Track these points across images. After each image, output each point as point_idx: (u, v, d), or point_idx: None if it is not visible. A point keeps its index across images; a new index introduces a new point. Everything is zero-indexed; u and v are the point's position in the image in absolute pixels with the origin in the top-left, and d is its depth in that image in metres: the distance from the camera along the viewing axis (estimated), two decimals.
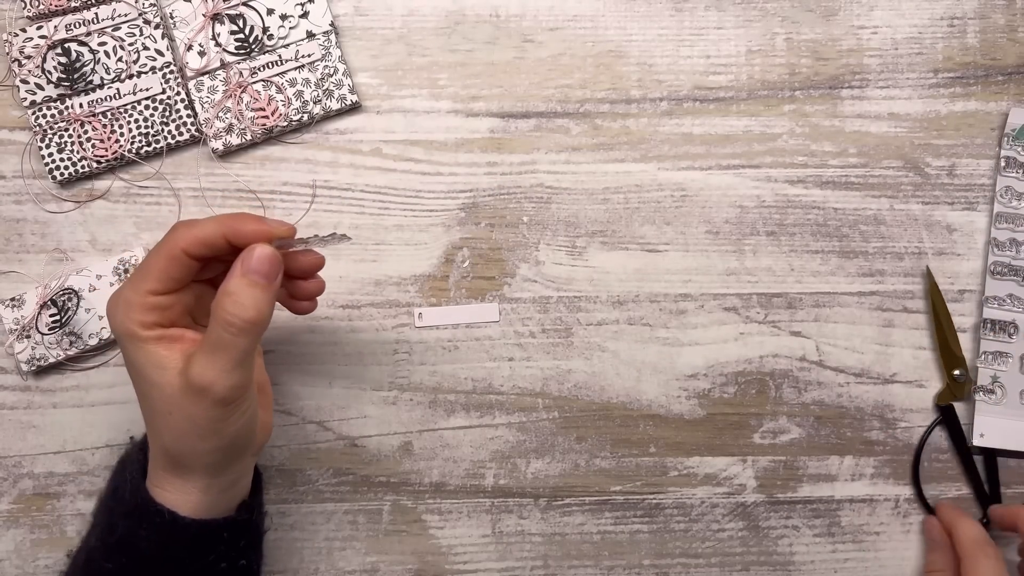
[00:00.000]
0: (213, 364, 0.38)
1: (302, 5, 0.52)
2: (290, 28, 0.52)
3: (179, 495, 0.42)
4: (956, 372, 0.51)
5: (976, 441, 0.52)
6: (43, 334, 0.51)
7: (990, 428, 0.52)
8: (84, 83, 0.51)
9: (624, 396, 0.53)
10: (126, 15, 0.51)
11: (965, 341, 0.53)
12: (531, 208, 0.53)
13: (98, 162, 0.51)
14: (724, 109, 0.53)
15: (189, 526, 0.41)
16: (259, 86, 0.52)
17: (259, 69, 0.52)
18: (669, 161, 0.53)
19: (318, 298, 0.46)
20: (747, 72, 0.53)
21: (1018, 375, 0.52)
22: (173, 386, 0.39)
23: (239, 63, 0.52)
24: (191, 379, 0.38)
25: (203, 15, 0.52)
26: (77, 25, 0.51)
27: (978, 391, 0.52)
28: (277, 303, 0.42)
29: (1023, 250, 0.52)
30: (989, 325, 0.52)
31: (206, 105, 0.51)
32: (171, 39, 0.52)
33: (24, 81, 0.51)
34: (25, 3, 0.51)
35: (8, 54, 0.51)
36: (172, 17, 0.52)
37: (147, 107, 0.51)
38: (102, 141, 0.51)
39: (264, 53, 0.52)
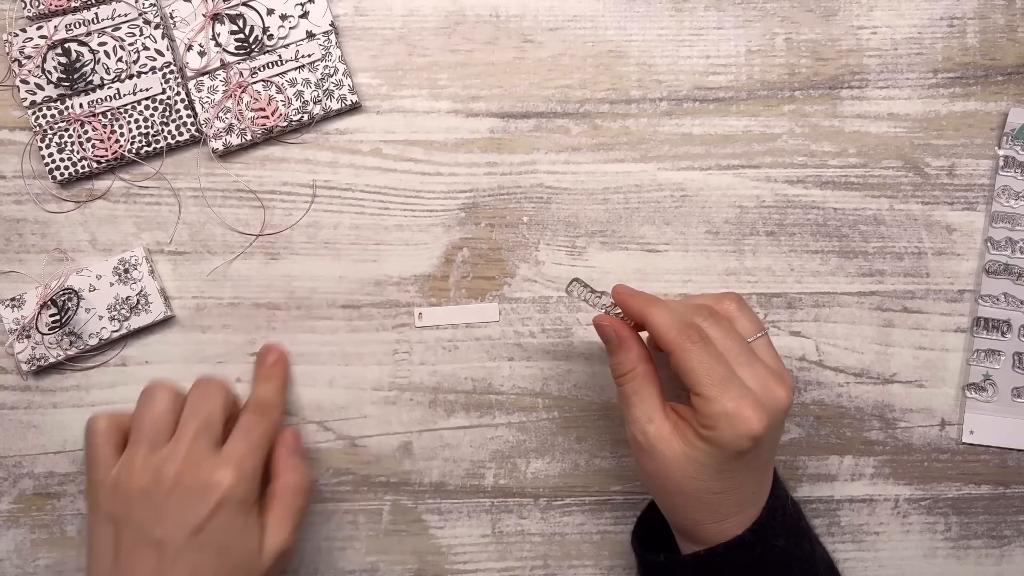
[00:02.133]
0: None
1: (302, 5, 0.52)
2: (290, 28, 0.52)
3: None
4: None
5: (966, 438, 0.52)
6: (43, 334, 0.51)
7: (980, 425, 0.52)
8: (84, 83, 0.51)
9: None
10: (126, 15, 0.51)
11: (961, 341, 0.53)
12: (531, 208, 0.53)
13: (98, 162, 0.51)
14: (724, 109, 0.53)
15: None
16: (259, 86, 0.52)
17: (259, 69, 0.52)
18: (669, 161, 0.53)
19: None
20: (747, 72, 0.53)
21: (1011, 372, 0.52)
22: None
23: (239, 63, 0.52)
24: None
25: (203, 15, 0.52)
26: (77, 25, 0.51)
27: (969, 388, 0.52)
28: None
29: (1019, 248, 0.52)
30: (982, 323, 0.52)
31: (206, 105, 0.51)
32: (171, 39, 0.52)
33: (24, 81, 0.51)
34: (25, 3, 0.51)
35: (8, 54, 0.51)
36: (172, 17, 0.52)
37: (147, 107, 0.51)
38: (102, 141, 0.51)
39: (264, 53, 0.52)
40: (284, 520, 0.44)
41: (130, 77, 0.51)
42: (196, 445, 0.42)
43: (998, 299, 0.52)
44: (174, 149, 0.52)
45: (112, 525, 0.42)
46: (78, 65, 0.51)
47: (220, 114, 0.52)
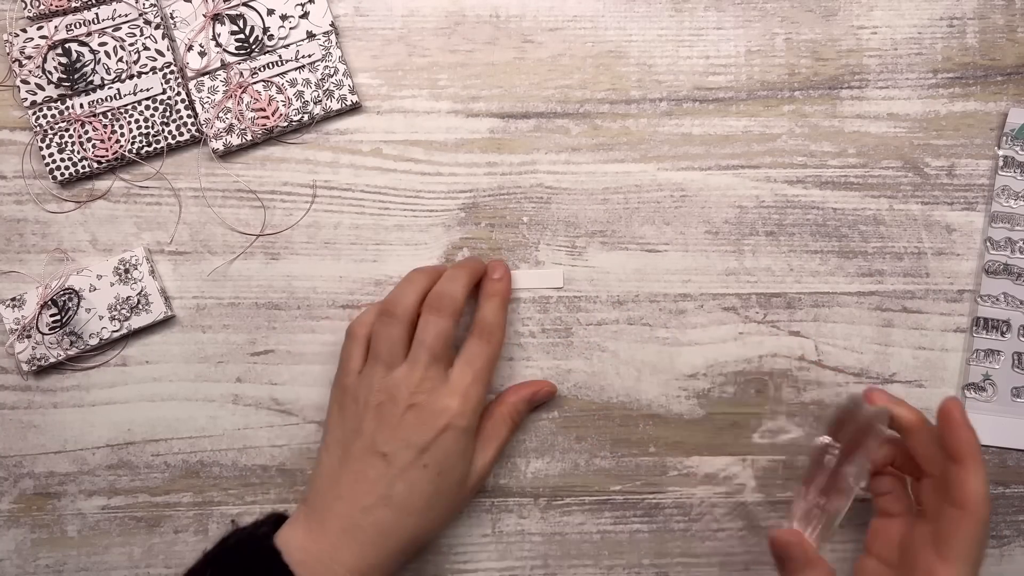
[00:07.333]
0: None
1: (302, 5, 0.52)
2: (290, 28, 0.52)
3: None
4: None
5: None
6: (43, 334, 0.51)
7: (980, 425, 0.52)
8: (84, 83, 0.51)
9: (624, 396, 0.53)
10: (126, 15, 0.51)
11: (960, 340, 0.53)
12: (531, 208, 0.53)
13: (99, 162, 0.51)
14: (723, 109, 0.53)
15: None
16: (259, 86, 0.52)
17: (259, 69, 0.52)
18: (669, 161, 0.53)
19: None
20: (747, 72, 0.53)
21: (1010, 372, 0.52)
22: None
23: (239, 63, 0.52)
24: None
25: (204, 15, 0.52)
26: (77, 25, 0.51)
27: (969, 388, 0.52)
28: None
29: (1018, 248, 0.52)
30: (982, 323, 0.52)
31: (206, 105, 0.52)
32: (171, 39, 0.52)
33: (24, 81, 0.51)
34: (25, 3, 0.51)
35: (8, 54, 0.51)
36: (172, 17, 0.52)
37: (147, 107, 0.51)
38: (102, 141, 0.51)
39: (264, 53, 0.52)
40: (488, 445, 0.49)
41: (130, 77, 0.51)
42: (428, 372, 0.46)
43: (997, 299, 0.52)
44: (174, 149, 0.52)
45: (344, 430, 0.47)
46: (78, 65, 0.51)
47: (220, 114, 0.52)
